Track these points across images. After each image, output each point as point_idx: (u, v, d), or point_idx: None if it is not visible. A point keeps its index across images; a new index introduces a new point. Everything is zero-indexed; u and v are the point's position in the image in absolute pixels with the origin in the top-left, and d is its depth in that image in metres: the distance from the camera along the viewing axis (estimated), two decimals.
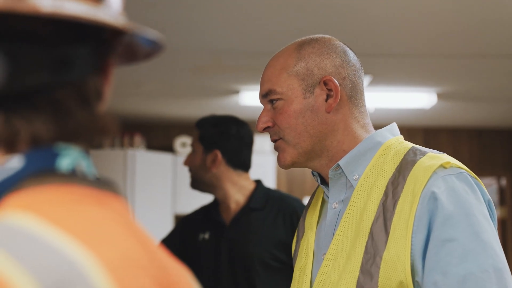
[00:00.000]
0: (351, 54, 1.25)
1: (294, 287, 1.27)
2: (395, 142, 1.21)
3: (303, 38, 1.26)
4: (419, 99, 4.98)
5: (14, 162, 0.53)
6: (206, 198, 2.47)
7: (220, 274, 2.09)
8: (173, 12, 2.98)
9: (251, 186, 2.19)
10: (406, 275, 1.05)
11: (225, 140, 2.16)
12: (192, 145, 2.22)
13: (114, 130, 0.59)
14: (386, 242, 1.08)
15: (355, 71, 1.24)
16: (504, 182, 6.85)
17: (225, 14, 3.04)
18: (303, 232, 1.33)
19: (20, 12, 0.49)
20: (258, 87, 1.30)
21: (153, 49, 0.60)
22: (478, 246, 1.03)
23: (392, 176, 1.14)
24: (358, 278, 1.10)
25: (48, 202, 0.51)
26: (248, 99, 4.85)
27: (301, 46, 1.24)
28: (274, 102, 1.23)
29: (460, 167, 1.12)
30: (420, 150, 1.17)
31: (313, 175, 1.29)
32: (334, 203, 1.22)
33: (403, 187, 1.10)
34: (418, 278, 1.06)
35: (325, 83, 1.20)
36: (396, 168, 1.15)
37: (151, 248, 0.54)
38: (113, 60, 0.62)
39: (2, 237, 0.47)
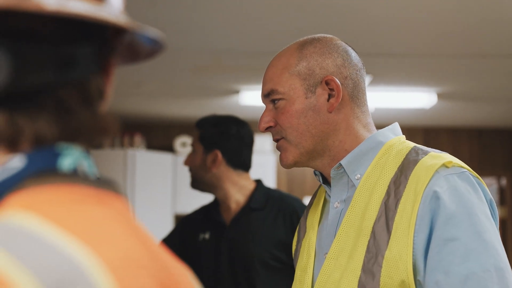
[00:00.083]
0: (353, 54, 1.25)
1: (296, 287, 1.27)
2: (397, 142, 1.21)
3: (305, 37, 1.26)
4: (419, 99, 4.99)
5: (16, 162, 0.52)
6: (206, 198, 2.47)
7: (220, 274, 2.09)
8: (173, 12, 2.98)
9: (251, 186, 2.19)
10: (408, 274, 1.05)
11: (225, 140, 2.16)
12: (192, 145, 2.21)
13: (115, 130, 0.59)
14: (388, 241, 1.08)
15: (357, 70, 1.24)
16: (504, 182, 6.86)
17: (225, 14, 3.04)
18: (305, 231, 1.32)
19: (25, 10, 0.49)
20: (258, 87, 1.30)
21: (154, 48, 0.60)
22: (480, 245, 1.03)
23: (394, 175, 1.14)
24: (360, 277, 1.10)
25: (49, 202, 0.51)
26: (248, 99, 4.85)
27: (303, 45, 1.24)
28: (276, 102, 1.23)
29: (462, 167, 1.12)
30: (422, 150, 1.17)
31: (315, 174, 1.29)
32: (336, 203, 1.22)
33: (405, 187, 1.10)
34: (420, 277, 1.06)
35: (327, 83, 1.20)
36: (398, 168, 1.15)
37: (153, 248, 0.54)
38: (115, 59, 0.62)
39: (3, 237, 0.47)
